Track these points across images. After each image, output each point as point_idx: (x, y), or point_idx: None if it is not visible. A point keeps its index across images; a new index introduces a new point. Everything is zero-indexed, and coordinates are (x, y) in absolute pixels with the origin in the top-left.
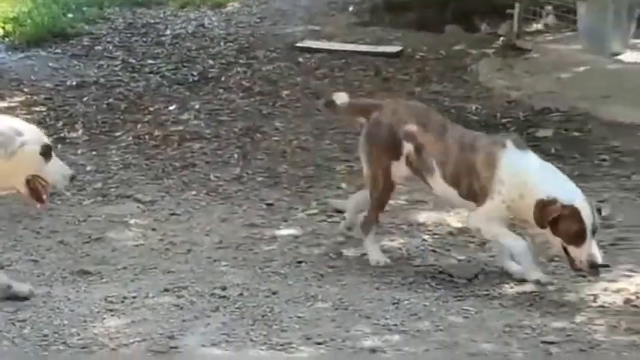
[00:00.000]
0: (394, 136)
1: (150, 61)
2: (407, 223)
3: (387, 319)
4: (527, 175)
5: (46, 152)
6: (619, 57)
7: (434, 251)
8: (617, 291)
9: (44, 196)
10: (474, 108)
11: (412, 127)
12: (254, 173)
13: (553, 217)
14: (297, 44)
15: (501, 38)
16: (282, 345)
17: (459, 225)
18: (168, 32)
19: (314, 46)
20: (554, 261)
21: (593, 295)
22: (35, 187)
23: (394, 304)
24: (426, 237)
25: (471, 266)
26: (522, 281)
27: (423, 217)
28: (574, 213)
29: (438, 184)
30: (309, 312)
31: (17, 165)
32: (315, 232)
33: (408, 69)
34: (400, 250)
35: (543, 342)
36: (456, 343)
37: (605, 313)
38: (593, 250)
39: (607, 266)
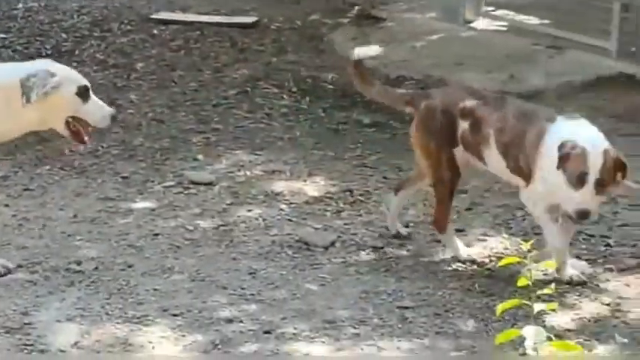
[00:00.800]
0: (450, 119)
1: (1, 36)
2: (263, 193)
3: (243, 289)
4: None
5: (82, 93)
6: (472, 24)
7: (290, 220)
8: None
9: (86, 137)
10: (330, 77)
11: (469, 103)
12: (109, 146)
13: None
14: (152, 16)
15: (356, 7)
16: (138, 318)
17: (315, 194)
18: (20, 5)
19: (169, 18)
20: (408, 227)
21: (447, 259)
22: (77, 129)
23: (251, 274)
24: (282, 206)
25: (328, 234)
26: (379, 248)
27: (280, 186)
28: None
29: (491, 155)
30: (165, 284)
31: (53, 106)
32: (172, 204)
33: (263, 39)
34: (257, 220)
35: (399, 307)
36: (313, 311)
37: (459, 277)
38: None
39: None
